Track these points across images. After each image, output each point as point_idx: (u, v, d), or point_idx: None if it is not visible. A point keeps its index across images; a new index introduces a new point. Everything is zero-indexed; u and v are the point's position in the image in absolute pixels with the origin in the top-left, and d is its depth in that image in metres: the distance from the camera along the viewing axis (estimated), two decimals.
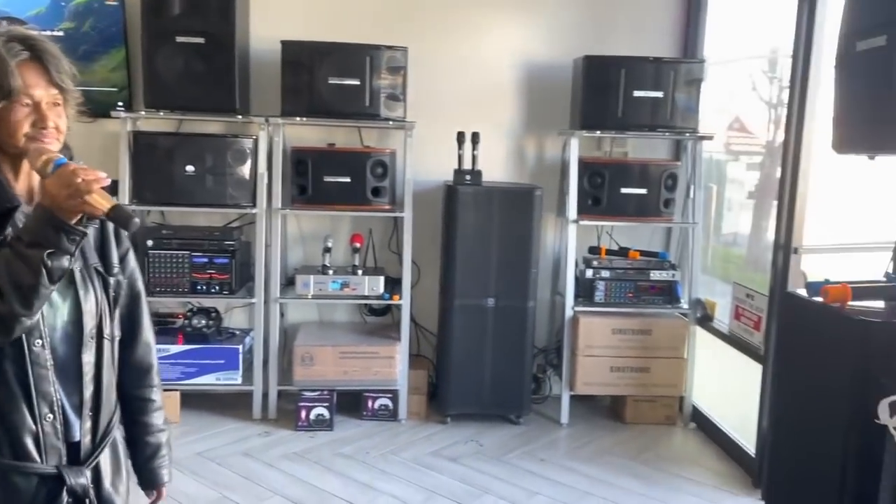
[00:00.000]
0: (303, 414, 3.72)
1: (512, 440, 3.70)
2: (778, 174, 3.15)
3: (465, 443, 3.65)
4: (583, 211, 3.81)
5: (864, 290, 1.75)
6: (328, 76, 3.62)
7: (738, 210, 6.11)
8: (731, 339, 3.54)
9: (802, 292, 1.86)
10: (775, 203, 3.12)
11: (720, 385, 4.02)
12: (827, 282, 1.76)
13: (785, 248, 3.08)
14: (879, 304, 1.78)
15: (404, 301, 3.80)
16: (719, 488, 3.27)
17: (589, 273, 3.85)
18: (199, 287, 3.70)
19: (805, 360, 1.88)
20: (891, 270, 1.99)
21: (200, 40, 3.53)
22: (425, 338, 4.19)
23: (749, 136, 6.50)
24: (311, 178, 3.72)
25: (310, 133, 3.97)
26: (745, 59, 4.43)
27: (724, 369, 3.94)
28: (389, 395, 3.85)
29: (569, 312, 3.84)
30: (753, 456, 3.30)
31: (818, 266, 3.10)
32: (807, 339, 1.86)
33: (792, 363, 1.94)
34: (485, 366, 3.77)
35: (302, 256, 4.14)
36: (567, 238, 3.82)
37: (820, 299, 1.77)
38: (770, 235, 6.46)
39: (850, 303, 1.73)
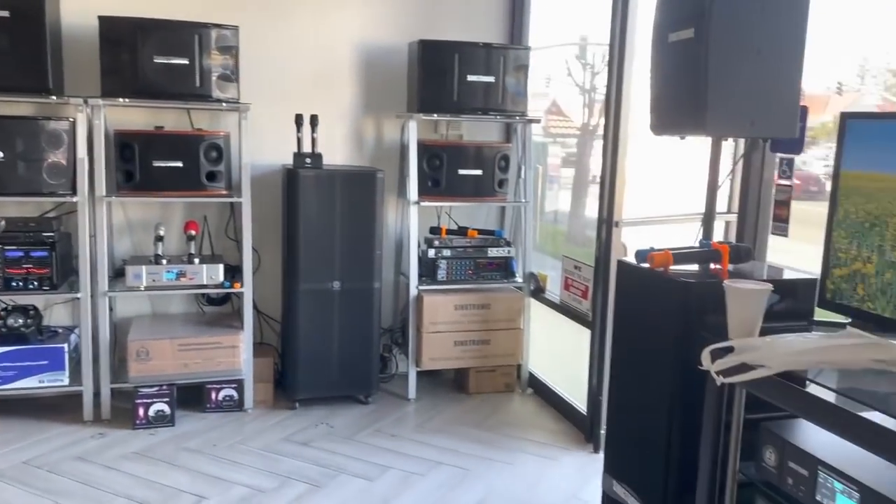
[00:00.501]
0: (141, 411, 3.53)
1: (362, 419, 3.75)
2: (592, 154, 3.43)
3: (316, 426, 3.65)
4: (423, 192, 3.92)
5: (682, 256, 1.99)
6: (153, 55, 3.42)
7: (558, 189, 6.54)
8: (562, 308, 3.82)
9: (632, 260, 2.08)
10: (591, 182, 3.43)
11: (553, 351, 4.31)
12: (652, 249, 1.98)
13: (608, 222, 3.36)
14: (694, 267, 2.02)
15: (246, 288, 3.71)
16: (556, 445, 3.54)
17: (431, 253, 3.97)
18: (14, 283, 3.38)
19: (637, 320, 2.10)
20: (702, 237, 2.27)
21: (5, 13, 3.20)
22: (268, 325, 4.12)
23: (565, 119, 6.96)
24: (138, 164, 3.51)
25: (135, 115, 3.74)
26: (558, 46, 4.75)
27: (556, 337, 4.23)
28: (234, 385, 3.75)
29: (413, 292, 3.94)
30: (585, 414, 3.60)
31: (635, 237, 3.43)
32: (638, 302, 2.07)
33: (626, 324, 2.16)
34: (332, 349, 3.78)
35: (131, 247, 3.90)
36: (409, 219, 3.91)
37: (647, 265, 1.99)
38: (587, 212, 6.97)
39: (672, 267, 1.96)
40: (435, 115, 3.91)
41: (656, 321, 1.98)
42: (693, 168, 3.29)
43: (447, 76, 3.82)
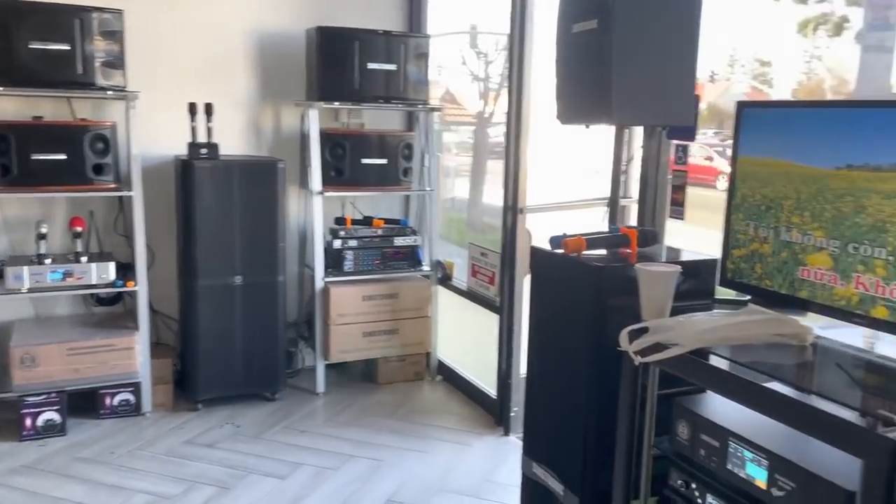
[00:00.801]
0: (28, 422, 3.29)
1: (270, 417, 3.66)
2: (489, 142, 3.47)
3: (221, 426, 3.53)
4: (327, 182, 3.85)
5: (595, 241, 2.05)
6: (28, 40, 3.19)
7: (455, 177, 6.59)
8: (470, 295, 3.86)
9: (546, 246, 2.12)
10: (489, 169, 3.47)
11: (461, 338, 4.35)
12: (565, 235, 2.03)
13: (513, 209, 3.42)
14: (604, 251, 2.09)
15: (140, 287, 3.52)
16: (468, 431, 3.58)
17: (337, 244, 3.90)
18: None
19: (553, 304, 2.15)
20: (609, 222, 2.35)
21: None
22: (165, 324, 3.94)
23: (459, 108, 7.03)
24: (14, 157, 3.27)
25: (8, 105, 3.47)
26: (451, 35, 4.78)
27: (464, 324, 4.27)
28: (130, 389, 3.56)
29: (319, 284, 3.87)
30: (495, 398, 3.67)
31: (538, 224, 3.51)
32: (553, 287, 2.12)
33: (542, 309, 2.20)
34: (235, 346, 3.66)
35: (8, 246, 3.62)
36: (313, 210, 3.83)
37: (561, 251, 2.03)
38: (486, 199, 7.05)
39: (585, 252, 2.02)
40: (336, 104, 3.83)
41: (571, 305, 2.03)
42: (584, 155, 3.40)
43: (347, 64, 3.76)
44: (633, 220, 2.87)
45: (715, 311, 1.83)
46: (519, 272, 3.46)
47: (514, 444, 3.48)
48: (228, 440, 3.39)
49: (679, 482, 1.73)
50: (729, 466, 1.61)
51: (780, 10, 4.11)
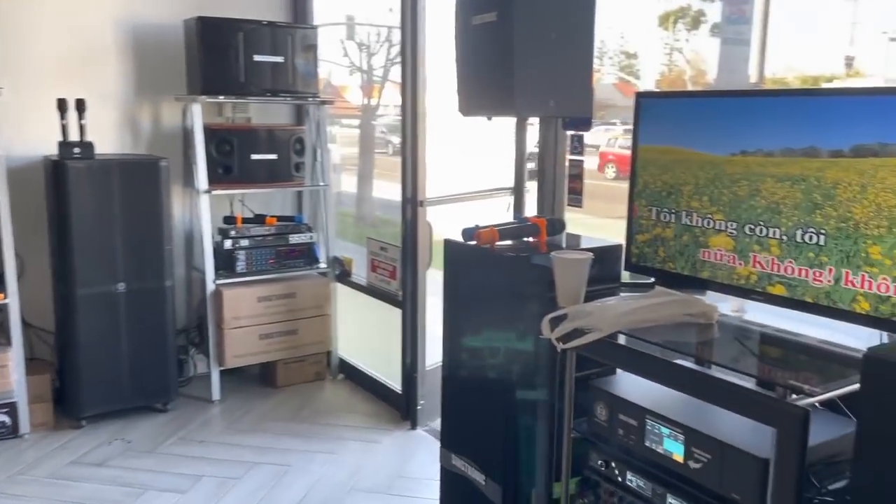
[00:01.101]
0: None
1: (163, 429, 3.47)
2: (376, 135, 3.44)
3: (110, 443, 3.31)
4: (213, 180, 3.67)
5: (507, 231, 2.07)
6: None
7: (341, 172, 6.51)
8: (371, 290, 3.81)
9: (458, 238, 2.12)
10: (377, 162, 3.43)
11: (363, 335, 4.30)
12: (477, 227, 2.03)
13: (412, 202, 3.40)
14: (511, 241, 2.12)
15: (11, 299, 3.24)
16: (374, 428, 3.55)
17: (227, 244, 3.74)
18: None
19: (468, 296, 2.15)
20: (515, 212, 2.38)
21: None
22: (40, 338, 3.65)
23: (341, 100, 6.94)
24: None
25: None
26: (331, 26, 4.70)
27: (365, 320, 4.22)
28: (5, 410, 3.28)
29: (210, 287, 3.70)
30: (400, 392, 3.65)
31: (439, 216, 3.52)
32: (468, 278, 2.12)
33: (457, 301, 2.20)
34: (121, 357, 3.45)
35: None
36: (199, 209, 3.65)
37: (474, 242, 2.04)
38: (374, 193, 7.00)
39: (498, 243, 2.03)
40: (221, 97, 3.67)
41: (487, 295, 2.05)
42: (476, 147, 3.44)
43: (231, 56, 3.61)
44: (532, 211, 2.92)
45: (624, 294, 1.89)
46: (421, 265, 3.45)
47: (422, 437, 3.48)
48: (119, 457, 3.19)
49: (599, 462, 1.79)
50: (647, 444, 1.67)
51: (643, 4, 4.32)
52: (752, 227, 1.71)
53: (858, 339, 1.57)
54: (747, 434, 1.51)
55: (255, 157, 3.78)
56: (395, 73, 3.67)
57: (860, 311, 1.53)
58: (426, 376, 3.55)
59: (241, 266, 3.76)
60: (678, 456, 1.61)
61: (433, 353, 3.61)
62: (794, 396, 1.37)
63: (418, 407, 3.53)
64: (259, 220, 3.90)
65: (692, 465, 1.59)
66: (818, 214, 1.59)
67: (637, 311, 1.66)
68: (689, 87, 4.31)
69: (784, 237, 1.66)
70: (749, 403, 1.42)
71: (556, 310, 1.74)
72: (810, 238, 1.61)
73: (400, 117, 3.44)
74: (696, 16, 4.29)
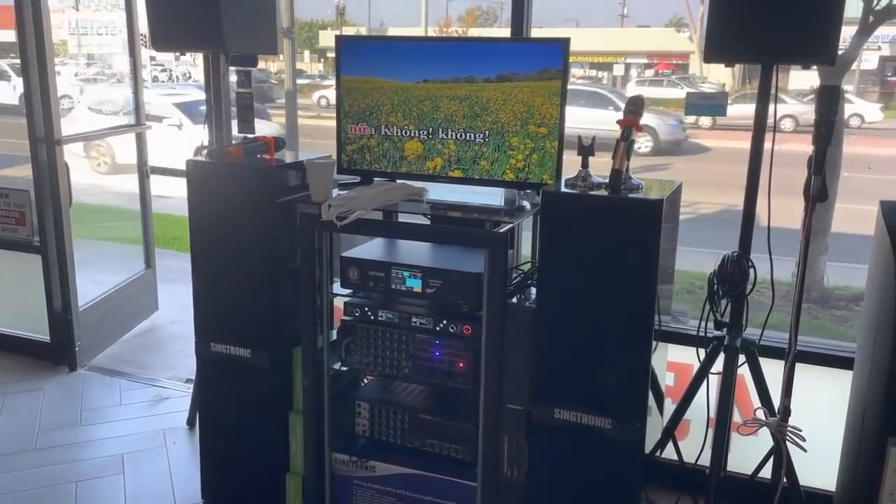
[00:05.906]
0: None
1: None
2: None
3: None
4: None
5: (246, 149, 2.43)
6: None
7: None
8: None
9: (202, 159, 2.40)
10: None
11: None
12: (221, 147, 2.34)
13: (48, 142, 3.31)
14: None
15: None
16: (28, 379, 3.39)
17: None
18: None
19: (216, 212, 2.44)
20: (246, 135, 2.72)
21: None
22: None
23: None
24: None
25: None
26: None
27: None
28: None
29: None
30: (48, 341, 3.53)
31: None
32: (215, 196, 2.39)
33: (205, 219, 2.47)
34: None
35: None
36: None
37: (223, 161, 2.37)
38: None
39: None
40: None
41: (236, 207, 2.40)
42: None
43: None
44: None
45: (364, 186, 2.46)
46: (64, 205, 3.39)
47: (87, 375, 3.49)
48: None
49: (355, 311, 2.41)
50: (393, 286, 2.37)
51: None
52: (434, 132, 2.51)
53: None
54: (462, 265, 2.33)
55: None
56: None
57: (509, 179, 2.48)
58: (80, 317, 3.53)
59: None
60: (418, 289, 2.35)
61: (84, 292, 3.61)
62: (496, 228, 2.23)
63: (76, 348, 3.50)
64: None
65: (428, 291, 2.34)
66: (478, 121, 2.47)
67: (381, 195, 2.32)
68: None
69: (458, 137, 2.50)
70: (471, 236, 2.25)
71: (307, 206, 2.28)
72: (474, 137, 2.48)
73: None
74: None
